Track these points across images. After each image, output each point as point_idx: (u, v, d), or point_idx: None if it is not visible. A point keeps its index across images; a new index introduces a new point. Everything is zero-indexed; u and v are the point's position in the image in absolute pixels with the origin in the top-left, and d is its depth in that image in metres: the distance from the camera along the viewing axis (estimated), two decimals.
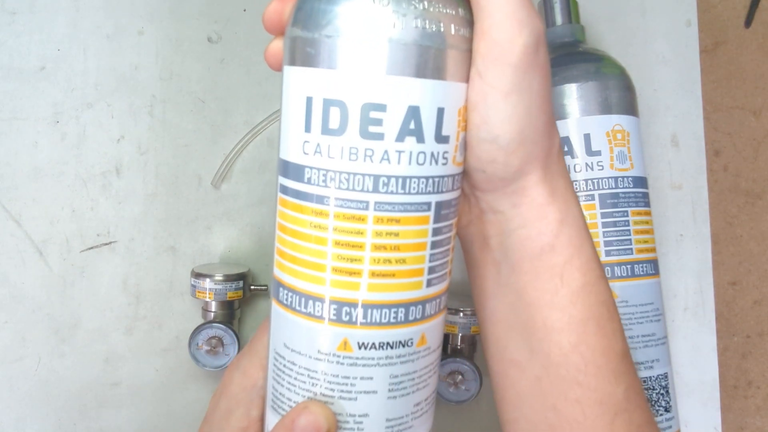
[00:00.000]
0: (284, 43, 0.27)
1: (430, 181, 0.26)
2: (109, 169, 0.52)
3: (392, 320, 0.27)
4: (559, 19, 0.50)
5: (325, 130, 0.25)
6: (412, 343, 0.27)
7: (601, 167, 0.45)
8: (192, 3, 0.53)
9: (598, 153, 0.46)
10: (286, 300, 0.27)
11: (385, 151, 0.25)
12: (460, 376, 0.48)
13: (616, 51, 0.55)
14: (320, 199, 0.26)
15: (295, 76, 0.26)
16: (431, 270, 0.27)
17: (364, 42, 0.24)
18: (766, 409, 0.60)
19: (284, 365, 0.28)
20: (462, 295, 0.49)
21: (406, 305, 0.27)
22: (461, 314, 0.48)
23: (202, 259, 0.52)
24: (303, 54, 0.26)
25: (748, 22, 0.60)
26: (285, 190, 0.27)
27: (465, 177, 0.29)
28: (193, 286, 0.48)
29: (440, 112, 0.26)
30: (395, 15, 0.24)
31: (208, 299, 0.48)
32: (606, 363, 0.29)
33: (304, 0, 0.26)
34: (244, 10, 0.54)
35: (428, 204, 0.26)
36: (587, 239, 0.30)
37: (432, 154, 0.26)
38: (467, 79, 0.26)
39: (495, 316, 0.31)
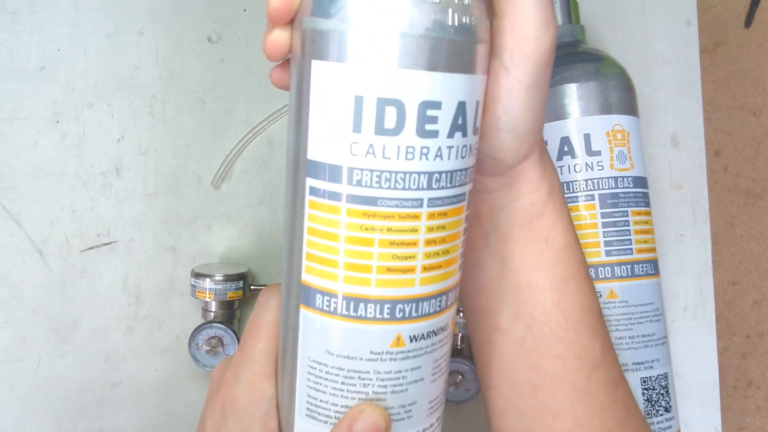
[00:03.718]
0: (305, 35, 0.26)
1: (467, 172, 0.27)
2: (109, 169, 0.52)
3: (437, 309, 0.27)
4: (559, 19, 0.50)
5: (380, 131, 0.25)
6: (447, 326, 0.28)
7: (601, 167, 0.45)
8: (192, 3, 0.53)
9: (598, 153, 0.46)
10: (328, 306, 0.27)
11: (439, 148, 0.25)
12: (460, 376, 0.48)
13: (616, 51, 0.55)
14: (372, 201, 0.25)
15: (335, 74, 0.25)
16: (462, 255, 0.28)
17: (422, 38, 0.24)
18: (766, 409, 0.60)
19: (327, 372, 0.27)
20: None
21: (447, 292, 0.28)
22: (461, 314, 0.48)
23: (202, 259, 0.52)
24: (346, 49, 0.24)
25: (748, 22, 0.60)
26: (321, 193, 0.26)
27: None
28: (193, 286, 0.48)
29: (477, 105, 0.26)
30: (446, 11, 0.24)
31: (208, 299, 0.48)
32: (584, 319, 0.31)
33: None
34: (244, 10, 0.54)
35: (465, 194, 0.27)
36: (566, 206, 0.32)
37: (470, 147, 0.26)
38: (487, 71, 0.27)
39: (480, 285, 0.32)
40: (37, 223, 0.51)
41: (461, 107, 0.25)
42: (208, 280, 0.47)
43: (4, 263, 0.50)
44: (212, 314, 0.48)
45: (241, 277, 0.48)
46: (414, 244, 0.26)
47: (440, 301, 0.27)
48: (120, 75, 0.52)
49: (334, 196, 0.26)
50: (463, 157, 0.26)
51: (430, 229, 0.26)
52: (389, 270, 0.26)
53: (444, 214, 0.26)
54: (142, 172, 0.52)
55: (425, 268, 0.26)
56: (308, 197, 0.26)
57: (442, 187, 0.26)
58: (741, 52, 0.61)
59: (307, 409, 0.28)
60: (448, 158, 0.25)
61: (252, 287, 0.50)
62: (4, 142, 0.51)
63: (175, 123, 0.52)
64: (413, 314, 0.27)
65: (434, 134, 0.25)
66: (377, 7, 0.24)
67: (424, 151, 0.25)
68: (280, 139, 0.53)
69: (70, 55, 0.52)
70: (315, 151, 0.26)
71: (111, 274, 0.51)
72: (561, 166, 0.46)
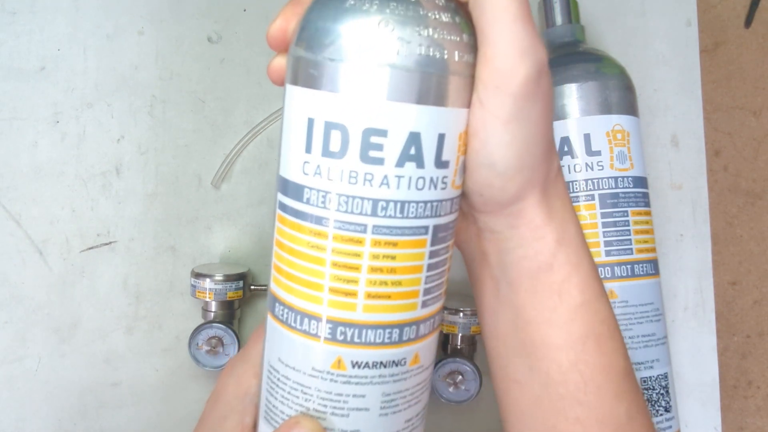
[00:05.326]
0: (287, 61, 0.27)
1: (429, 205, 0.26)
2: (109, 169, 0.52)
3: (386, 340, 0.27)
4: (559, 19, 0.50)
5: (326, 153, 0.25)
6: (405, 362, 0.28)
7: (601, 167, 0.45)
8: (192, 3, 0.53)
9: (598, 153, 0.46)
10: (282, 316, 0.28)
11: (385, 176, 0.25)
12: (460, 376, 0.48)
13: (616, 51, 0.55)
14: (318, 220, 0.26)
15: (297, 96, 0.26)
16: (426, 291, 0.27)
17: (367, 67, 0.24)
18: (766, 409, 0.60)
19: (278, 379, 0.28)
20: (462, 295, 0.49)
21: (401, 326, 0.27)
22: (461, 314, 0.48)
23: (202, 259, 0.52)
24: (305, 75, 0.25)
25: (748, 22, 0.60)
26: (284, 207, 0.27)
27: (463, 198, 0.29)
28: (193, 286, 0.48)
29: (441, 138, 0.26)
30: (399, 41, 0.24)
31: (208, 299, 0.48)
32: (606, 381, 0.29)
33: (308, 21, 0.26)
34: (244, 10, 0.53)
35: (426, 228, 0.26)
36: (585, 257, 0.30)
37: (431, 179, 0.26)
38: (469, 104, 0.26)
39: (496, 333, 0.31)
40: (37, 223, 0.51)
41: (414, 138, 0.25)
42: (208, 280, 0.47)
43: (4, 263, 0.50)
44: (212, 314, 0.48)
45: (241, 277, 0.48)
46: (356, 268, 0.26)
47: (391, 333, 0.27)
48: (120, 75, 0.52)
49: (294, 212, 0.27)
50: (419, 189, 0.26)
51: (375, 257, 0.26)
52: (332, 290, 0.26)
53: (393, 244, 0.26)
54: (142, 172, 0.52)
55: (369, 296, 0.26)
56: (277, 211, 0.28)
57: (390, 216, 0.25)
58: (741, 52, 0.61)
59: (265, 412, 0.30)
60: (397, 188, 0.25)
61: (252, 287, 0.50)
62: (4, 142, 0.51)
63: (175, 123, 0.52)
64: (355, 340, 0.27)
65: (379, 161, 0.25)
66: (332, 37, 0.25)
67: (368, 177, 0.25)
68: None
69: (70, 55, 0.52)
70: (284, 168, 0.27)
71: (111, 274, 0.51)
72: (561, 166, 0.46)
